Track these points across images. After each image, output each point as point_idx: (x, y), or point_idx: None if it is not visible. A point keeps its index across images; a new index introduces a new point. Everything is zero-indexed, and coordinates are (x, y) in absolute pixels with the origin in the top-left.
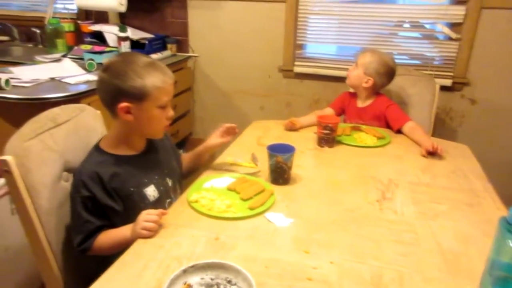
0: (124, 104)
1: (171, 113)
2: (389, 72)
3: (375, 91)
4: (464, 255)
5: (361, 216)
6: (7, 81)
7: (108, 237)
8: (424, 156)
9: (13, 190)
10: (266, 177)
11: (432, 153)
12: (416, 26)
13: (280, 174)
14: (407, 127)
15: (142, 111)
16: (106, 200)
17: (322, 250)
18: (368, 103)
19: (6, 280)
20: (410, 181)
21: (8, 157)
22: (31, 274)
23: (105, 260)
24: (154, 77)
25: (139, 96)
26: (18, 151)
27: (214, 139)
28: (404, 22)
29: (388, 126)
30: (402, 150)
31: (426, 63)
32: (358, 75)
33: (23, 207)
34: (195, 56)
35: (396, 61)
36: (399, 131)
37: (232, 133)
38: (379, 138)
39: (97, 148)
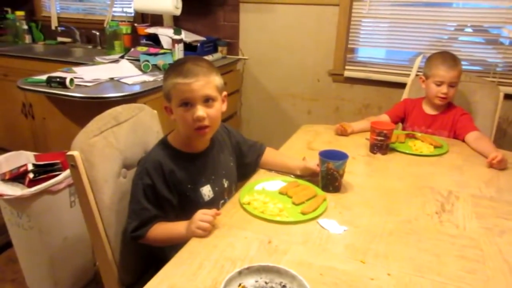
0: (164, 105)
1: (196, 114)
2: None
3: None
4: None
5: (419, 228)
6: (71, 81)
7: (162, 229)
8: (489, 165)
9: (77, 184)
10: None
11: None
12: (478, 30)
13: (331, 181)
14: (473, 135)
15: (174, 112)
16: (164, 191)
17: (379, 261)
18: (440, 110)
19: (63, 266)
20: (472, 193)
21: (75, 153)
22: (86, 263)
23: (158, 255)
24: (172, 76)
25: (166, 96)
26: (84, 146)
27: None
28: (466, 26)
29: (455, 137)
30: (462, 160)
31: (488, 69)
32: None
33: (86, 200)
34: (245, 59)
35: None
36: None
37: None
38: (435, 146)
39: (164, 140)
